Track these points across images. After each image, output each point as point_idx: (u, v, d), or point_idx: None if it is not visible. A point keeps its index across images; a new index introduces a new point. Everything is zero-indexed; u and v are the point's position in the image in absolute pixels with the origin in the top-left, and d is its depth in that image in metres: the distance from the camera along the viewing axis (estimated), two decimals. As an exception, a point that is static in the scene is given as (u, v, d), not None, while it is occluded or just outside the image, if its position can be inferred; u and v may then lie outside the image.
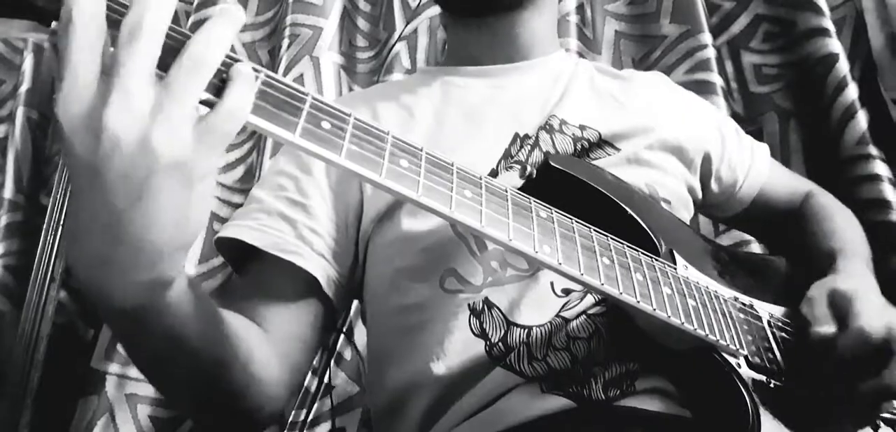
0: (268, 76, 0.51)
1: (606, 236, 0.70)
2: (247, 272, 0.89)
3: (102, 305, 0.52)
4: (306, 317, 0.86)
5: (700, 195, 1.04)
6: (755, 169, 1.10)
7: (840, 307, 0.76)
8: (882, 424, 0.79)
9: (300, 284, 0.85)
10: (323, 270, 0.86)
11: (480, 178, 0.61)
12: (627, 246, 0.71)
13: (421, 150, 0.58)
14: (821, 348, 0.75)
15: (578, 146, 0.91)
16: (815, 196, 1.11)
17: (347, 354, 1.38)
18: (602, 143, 0.92)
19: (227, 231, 0.87)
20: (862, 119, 1.33)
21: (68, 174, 0.44)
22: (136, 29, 0.43)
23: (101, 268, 0.48)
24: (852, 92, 1.35)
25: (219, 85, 0.48)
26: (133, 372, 1.33)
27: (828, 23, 1.41)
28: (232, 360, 0.68)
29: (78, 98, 0.43)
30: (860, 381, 0.73)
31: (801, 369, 0.77)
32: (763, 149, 1.14)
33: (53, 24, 0.45)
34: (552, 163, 0.80)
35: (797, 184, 1.15)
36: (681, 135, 0.98)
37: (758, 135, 1.46)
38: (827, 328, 0.75)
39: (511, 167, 0.88)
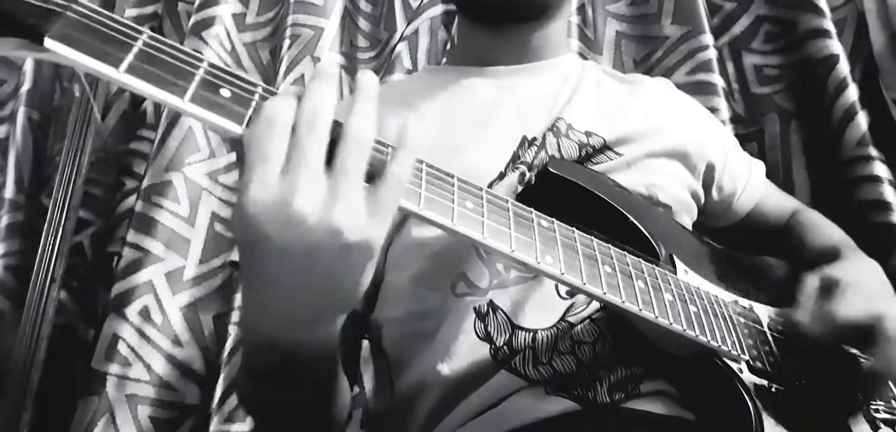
0: (264, 89, 0.52)
1: (608, 243, 0.70)
2: None
3: (280, 355, 0.59)
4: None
5: (703, 200, 1.04)
6: (752, 182, 1.12)
7: (828, 293, 0.80)
8: (882, 425, 0.80)
9: None
10: None
11: (481, 190, 0.61)
12: (628, 253, 0.71)
13: (422, 163, 0.58)
14: (805, 339, 0.78)
15: (583, 152, 0.91)
16: (804, 211, 1.14)
17: (348, 354, 1.39)
18: (606, 149, 0.93)
19: None
20: (862, 120, 1.33)
21: (247, 254, 0.49)
22: (313, 122, 0.49)
23: (287, 326, 0.56)
24: (853, 93, 1.35)
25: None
26: (133, 372, 1.33)
27: (829, 24, 1.41)
28: (342, 415, 0.77)
29: (269, 189, 0.47)
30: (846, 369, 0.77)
31: (795, 366, 0.78)
32: (759, 165, 1.16)
33: (46, 41, 0.45)
34: (551, 170, 0.80)
35: (787, 202, 1.17)
36: (685, 140, 0.98)
37: (759, 136, 1.46)
38: (802, 313, 0.79)
39: (518, 169, 0.88)
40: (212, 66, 0.51)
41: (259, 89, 0.52)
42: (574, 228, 0.67)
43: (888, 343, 0.75)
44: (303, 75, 1.52)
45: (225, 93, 0.50)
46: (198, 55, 0.50)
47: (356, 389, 1.37)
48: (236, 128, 0.50)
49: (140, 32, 0.49)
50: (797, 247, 1.05)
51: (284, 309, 0.54)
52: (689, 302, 0.72)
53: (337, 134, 0.49)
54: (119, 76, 0.47)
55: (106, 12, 0.48)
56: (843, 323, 0.76)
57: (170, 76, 0.48)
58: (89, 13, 0.47)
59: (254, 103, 0.51)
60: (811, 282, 0.82)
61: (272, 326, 0.56)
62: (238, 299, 1.36)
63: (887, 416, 0.81)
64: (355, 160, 0.49)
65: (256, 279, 0.53)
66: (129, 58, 0.47)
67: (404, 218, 0.87)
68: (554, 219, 0.66)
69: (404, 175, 0.52)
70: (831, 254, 0.94)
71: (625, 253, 0.71)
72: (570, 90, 0.99)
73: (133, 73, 0.47)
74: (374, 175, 0.51)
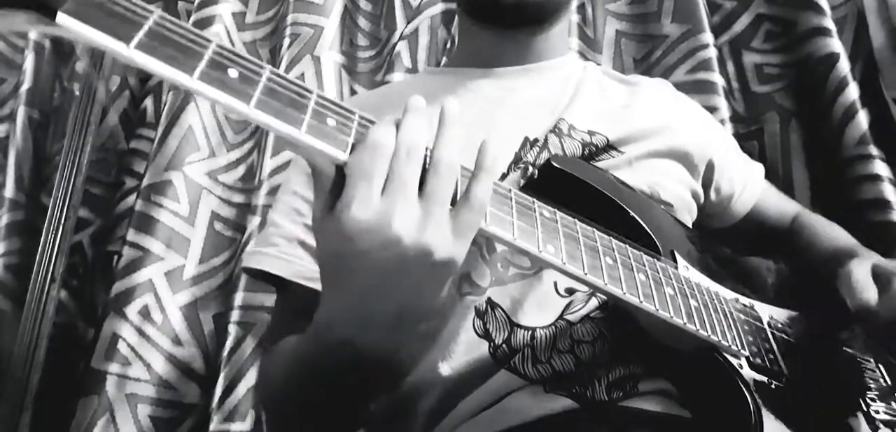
0: (272, 73, 0.51)
1: (609, 236, 0.70)
2: (282, 295, 0.92)
3: (350, 354, 0.61)
4: None
5: (702, 200, 1.04)
6: (751, 184, 1.12)
7: (883, 279, 0.80)
8: (881, 426, 0.80)
9: None
10: None
11: None
12: (630, 246, 0.71)
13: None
14: (863, 314, 0.79)
15: (586, 151, 0.91)
16: (806, 214, 1.14)
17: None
18: (609, 148, 0.93)
19: (253, 261, 0.90)
20: (862, 119, 1.33)
21: (337, 263, 0.57)
22: (412, 151, 0.54)
23: (367, 329, 0.59)
24: (853, 92, 1.35)
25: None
26: (133, 372, 1.33)
27: (829, 22, 1.41)
28: None
29: (369, 210, 0.52)
30: None
31: (795, 363, 0.78)
32: (758, 167, 1.16)
33: (58, 16, 0.45)
34: (554, 164, 0.80)
35: (787, 205, 1.18)
36: (686, 140, 0.98)
37: (759, 134, 1.46)
38: (870, 293, 0.79)
39: (520, 169, 0.88)
40: (220, 46, 0.50)
41: (266, 71, 0.51)
42: (576, 218, 0.67)
43: None
44: (302, 74, 1.52)
45: (232, 73, 0.49)
46: (206, 37, 0.50)
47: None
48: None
49: (150, 12, 0.48)
50: (805, 248, 1.05)
51: (369, 315, 0.58)
52: (689, 296, 0.72)
53: (425, 160, 0.54)
54: (128, 52, 0.46)
55: None
56: None
57: (179, 54, 0.48)
58: None
59: (261, 83, 0.50)
60: (860, 269, 0.83)
61: (353, 329, 0.59)
62: (238, 299, 1.36)
63: (887, 418, 0.81)
64: (445, 185, 0.54)
65: (344, 287, 0.58)
66: (140, 35, 0.46)
67: None
68: (556, 210, 0.66)
69: (486, 196, 0.56)
70: (848, 253, 0.93)
71: (626, 246, 0.70)
72: (572, 91, 0.99)
73: (143, 50, 0.46)
74: (456, 196, 0.56)
